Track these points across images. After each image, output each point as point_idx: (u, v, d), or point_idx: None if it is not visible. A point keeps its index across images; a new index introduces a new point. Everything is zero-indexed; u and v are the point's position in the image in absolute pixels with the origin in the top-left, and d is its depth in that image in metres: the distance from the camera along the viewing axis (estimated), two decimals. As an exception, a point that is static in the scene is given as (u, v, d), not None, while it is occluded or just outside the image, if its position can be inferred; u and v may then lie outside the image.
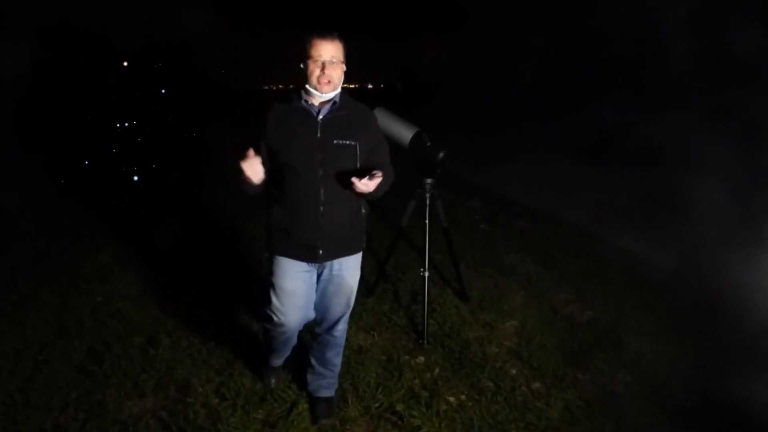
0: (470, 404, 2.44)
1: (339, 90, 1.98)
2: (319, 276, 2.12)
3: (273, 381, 2.53)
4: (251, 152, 1.83)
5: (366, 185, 1.86)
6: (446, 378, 2.63)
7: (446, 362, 2.77)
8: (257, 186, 1.90)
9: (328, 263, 2.07)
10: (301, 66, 1.94)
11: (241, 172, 1.82)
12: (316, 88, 1.92)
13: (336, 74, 1.92)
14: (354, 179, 1.85)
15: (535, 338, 3.01)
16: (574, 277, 3.97)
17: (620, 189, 6.70)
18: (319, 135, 1.94)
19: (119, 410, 2.37)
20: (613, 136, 8.48)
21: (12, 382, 2.56)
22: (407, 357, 2.81)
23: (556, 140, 9.56)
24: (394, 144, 2.95)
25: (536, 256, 4.40)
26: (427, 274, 2.98)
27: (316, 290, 2.16)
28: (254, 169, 1.83)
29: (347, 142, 1.96)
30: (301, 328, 2.26)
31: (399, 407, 2.39)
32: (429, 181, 3.04)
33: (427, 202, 3.05)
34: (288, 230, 2.00)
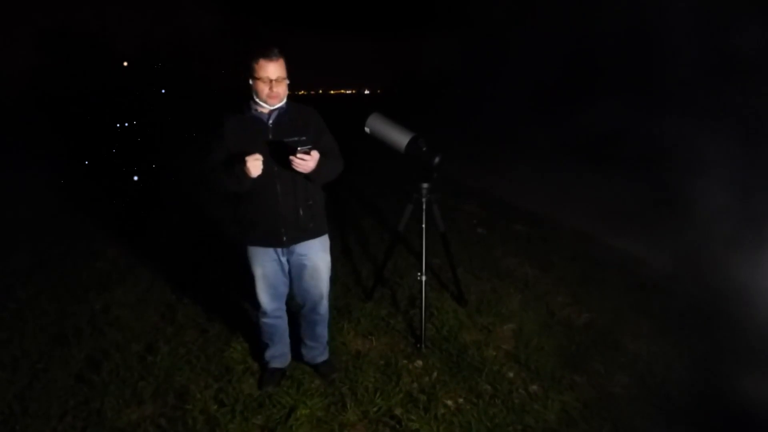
0: (468, 407, 2.45)
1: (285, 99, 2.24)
2: (290, 263, 2.38)
3: (270, 387, 2.55)
4: (256, 154, 2.07)
5: (302, 159, 2.06)
6: (444, 382, 2.64)
7: (444, 366, 2.78)
8: (250, 180, 2.09)
9: (295, 249, 2.33)
10: (250, 83, 2.17)
11: (244, 164, 2.04)
12: (266, 102, 2.18)
13: (282, 89, 2.18)
14: (291, 157, 2.07)
15: (532, 341, 3.02)
16: (571, 280, 3.98)
17: (618, 191, 6.70)
18: (270, 137, 2.20)
19: (118, 418, 2.38)
20: (613, 138, 8.49)
21: (10, 391, 2.57)
22: (405, 361, 2.81)
23: (554, 143, 9.57)
24: (390, 149, 2.98)
25: (533, 259, 4.41)
26: (424, 278, 2.98)
27: (291, 276, 2.43)
28: (255, 164, 2.05)
29: (296, 138, 2.20)
30: (283, 316, 2.54)
31: (397, 411, 2.40)
32: (425, 185, 3.05)
33: (424, 207, 3.06)
34: (255, 221, 2.26)
